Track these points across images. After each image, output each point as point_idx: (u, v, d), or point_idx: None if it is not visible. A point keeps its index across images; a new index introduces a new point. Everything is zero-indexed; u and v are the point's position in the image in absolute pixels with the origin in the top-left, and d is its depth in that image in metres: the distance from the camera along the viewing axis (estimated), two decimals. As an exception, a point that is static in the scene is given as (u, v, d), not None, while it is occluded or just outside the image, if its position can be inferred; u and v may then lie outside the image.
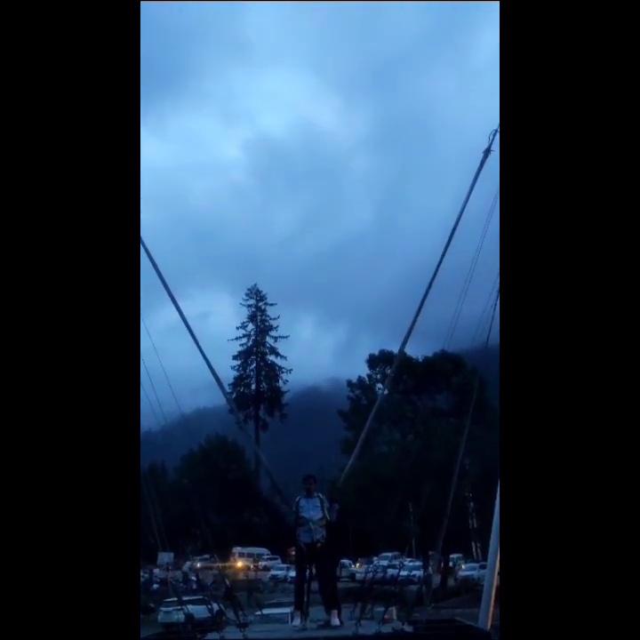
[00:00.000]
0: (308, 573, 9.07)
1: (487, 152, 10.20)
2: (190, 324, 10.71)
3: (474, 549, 47.28)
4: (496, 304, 9.77)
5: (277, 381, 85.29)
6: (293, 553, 9.72)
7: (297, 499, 9.06)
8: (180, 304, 10.76)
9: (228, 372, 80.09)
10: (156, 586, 43.35)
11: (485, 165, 10.41)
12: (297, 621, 8.57)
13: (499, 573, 10.67)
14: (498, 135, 9.92)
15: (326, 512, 8.91)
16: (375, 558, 40.63)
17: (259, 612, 12.27)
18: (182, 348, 11.92)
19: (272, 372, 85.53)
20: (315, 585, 9.26)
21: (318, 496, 9.03)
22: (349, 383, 52.10)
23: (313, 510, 8.86)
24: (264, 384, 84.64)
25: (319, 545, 8.77)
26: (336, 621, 8.45)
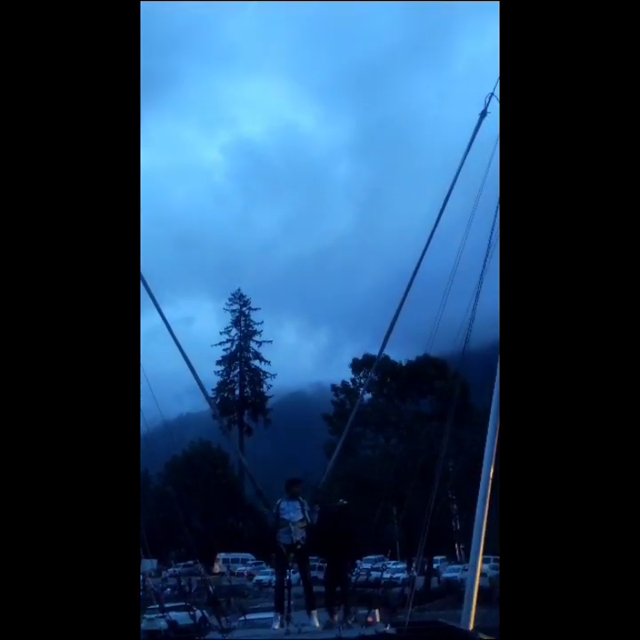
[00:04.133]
0: (288, 576, 9.09)
1: (483, 114, 10.12)
2: (173, 328, 10.64)
3: (457, 551, 47.40)
4: (475, 307, 9.85)
5: (261, 386, 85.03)
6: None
7: (277, 501, 9.07)
8: (163, 309, 10.67)
9: (211, 378, 79.79)
10: (138, 593, 42.79)
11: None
12: (277, 625, 8.55)
13: (482, 575, 10.73)
14: (493, 98, 9.90)
15: (307, 515, 8.94)
16: (359, 561, 40.54)
17: (242, 618, 12.22)
18: (165, 352, 11.84)
19: (256, 377, 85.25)
20: (297, 588, 9.26)
21: (299, 499, 9.06)
22: (334, 387, 52.20)
23: (293, 512, 8.89)
24: (248, 389, 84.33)
25: (299, 546, 8.81)
26: (315, 622, 8.47)
